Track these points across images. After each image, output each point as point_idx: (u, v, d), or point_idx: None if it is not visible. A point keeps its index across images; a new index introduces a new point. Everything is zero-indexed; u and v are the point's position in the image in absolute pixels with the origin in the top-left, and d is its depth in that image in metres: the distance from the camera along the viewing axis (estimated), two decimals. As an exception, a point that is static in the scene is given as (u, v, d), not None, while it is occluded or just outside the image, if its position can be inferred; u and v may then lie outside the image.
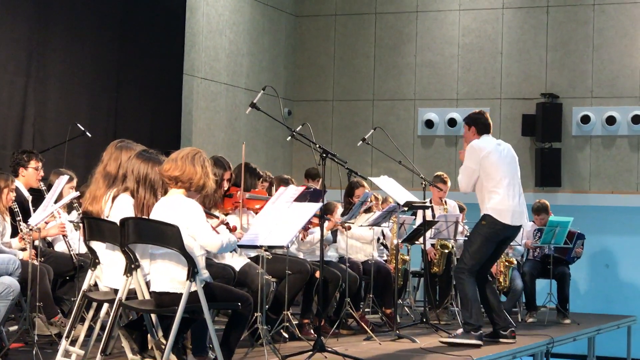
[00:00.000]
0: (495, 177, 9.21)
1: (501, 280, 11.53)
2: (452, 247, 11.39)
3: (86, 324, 7.04)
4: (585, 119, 15.56)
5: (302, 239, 9.47)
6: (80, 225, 7.30)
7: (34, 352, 7.03)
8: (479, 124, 9.43)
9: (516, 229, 9.41)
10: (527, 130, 15.88)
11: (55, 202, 7.80)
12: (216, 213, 7.65)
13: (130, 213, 6.59)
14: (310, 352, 7.69)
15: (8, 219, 8.09)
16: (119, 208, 6.68)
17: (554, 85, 15.84)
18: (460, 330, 9.17)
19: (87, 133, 10.76)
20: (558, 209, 12.39)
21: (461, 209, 11.96)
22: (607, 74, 15.59)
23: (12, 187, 8.07)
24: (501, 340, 9.36)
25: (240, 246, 7.63)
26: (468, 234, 10.21)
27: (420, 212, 11.28)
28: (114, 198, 6.76)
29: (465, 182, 9.30)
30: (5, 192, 8.00)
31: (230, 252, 7.82)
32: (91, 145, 11.15)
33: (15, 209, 8.08)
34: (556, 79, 15.85)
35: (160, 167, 6.44)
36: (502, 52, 16.19)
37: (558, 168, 15.67)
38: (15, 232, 8.19)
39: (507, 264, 11.57)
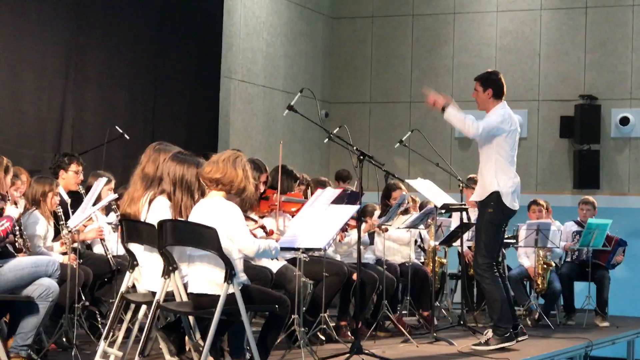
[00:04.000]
0: (513, 158, 8.81)
1: (539, 282, 11.46)
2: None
3: (124, 325, 7.07)
4: (625, 121, 15.47)
5: (339, 240, 9.47)
6: (119, 227, 7.32)
7: (72, 353, 7.08)
8: (497, 87, 8.85)
9: (515, 212, 8.95)
10: (566, 132, 15.80)
11: (94, 204, 7.84)
12: (252, 216, 7.70)
13: (168, 215, 6.61)
14: (348, 355, 7.69)
15: (52, 223, 8.14)
16: (156, 210, 6.71)
17: (593, 87, 15.75)
18: (489, 334, 8.87)
19: (125, 135, 10.83)
20: (597, 211, 12.30)
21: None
22: (647, 75, 15.50)
23: (56, 191, 8.12)
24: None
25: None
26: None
27: (457, 214, 11.25)
28: (150, 201, 6.78)
29: (484, 128, 8.65)
30: (49, 196, 8.04)
31: (272, 259, 7.81)
32: (129, 147, 11.22)
33: (59, 213, 8.12)
34: (595, 81, 15.75)
35: (201, 169, 6.46)
36: (540, 54, 16.12)
37: (597, 170, 15.58)
38: (57, 236, 8.23)
39: (545, 266, 11.51)
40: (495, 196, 8.74)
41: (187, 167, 6.74)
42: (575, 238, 11.83)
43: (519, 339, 9.01)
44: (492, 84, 8.85)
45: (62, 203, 8.54)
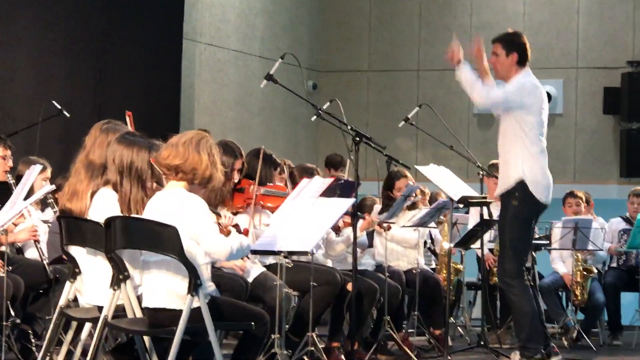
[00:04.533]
0: (541, 139, 8.83)
1: (578, 293, 11.50)
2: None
3: (64, 347, 7.06)
4: (682, 93, 15.56)
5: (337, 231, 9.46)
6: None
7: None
8: (523, 51, 8.94)
9: (546, 207, 8.99)
10: (610, 108, 15.86)
11: (26, 198, 7.83)
12: (224, 212, 7.69)
13: (116, 210, 6.62)
14: (341, 383, 7.73)
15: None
16: (100, 205, 6.70)
17: (644, 51, 15.83)
18: (516, 357, 8.85)
19: (65, 112, 10.81)
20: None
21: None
22: None
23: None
24: None
25: (254, 252, 7.66)
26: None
27: (475, 210, 11.23)
28: (92, 194, 6.78)
29: (493, 98, 8.76)
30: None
31: (242, 258, 7.82)
32: (69, 127, 11.22)
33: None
34: (646, 43, 15.83)
35: (157, 154, 6.45)
36: (579, 10, 16.15)
37: (649, 154, 15.65)
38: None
39: (585, 273, 11.54)
40: (520, 185, 8.75)
41: (136, 152, 6.74)
42: (623, 238, 11.87)
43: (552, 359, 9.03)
44: (516, 47, 8.93)
45: (-15, 195, 8.54)
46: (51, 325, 7.01)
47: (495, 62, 8.99)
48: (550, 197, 8.86)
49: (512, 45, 8.94)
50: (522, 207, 8.77)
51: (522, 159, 8.75)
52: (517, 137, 8.78)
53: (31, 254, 8.93)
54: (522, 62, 8.91)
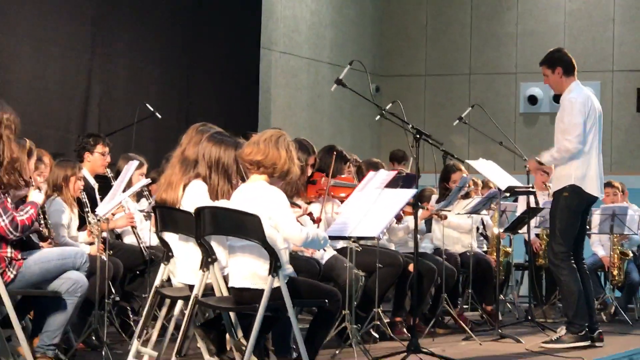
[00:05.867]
0: (590, 139, 8.76)
1: (615, 273, 11.42)
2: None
3: (159, 322, 7.09)
4: None
5: (396, 224, 9.45)
6: (152, 215, 7.34)
7: (103, 353, 7.13)
8: (565, 63, 8.86)
9: (597, 199, 8.97)
10: (643, 106, 15.72)
11: (124, 190, 7.86)
12: (299, 202, 7.69)
13: (206, 201, 6.63)
14: (404, 354, 7.69)
15: (76, 210, 8.17)
16: (192, 195, 6.71)
17: (675, 55, 15.63)
18: (562, 331, 8.84)
19: (157, 114, 10.84)
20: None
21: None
22: None
23: (79, 176, 8.15)
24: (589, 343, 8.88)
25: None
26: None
27: (522, 198, 11.18)
28: (185, 186, 6.80)
29: (577, 138, 8.63)
30: (72, 181, 8.07)
31: (319, 249, 7.79)
32: (161, 127, 11.28)
33: (84, 199, 8.16)
34: (677, 48, 15.63)
35: (241, 151, 6.45)
36: (615, 19, 15.97)
37: (681, 150, 15.48)
38: (82, 225, 8.27)
39: (621, 255, 11.44)
40: (572, 185, 8.75)
41: (224, 149, 6.75)
42: (656, 222, 11.75)
43: (596, 344, 8.92)
44: (558, 62, 8.88)
45: (89, 187, 8.59)
46: (147, 303, 7.05)
47: (547, 82, 9.00)
48: (598, 190, 8.83)
49: (554, 61, 8.91)
50: (571, 198, 8.75)
51: (573, 165, 8.72)
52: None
53: (129, 239, 8.99)
54: (568, 72, 8.85)
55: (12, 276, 6.11)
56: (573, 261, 8.79)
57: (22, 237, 6.18)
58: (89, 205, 8.17)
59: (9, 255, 6.11)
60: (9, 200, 6.14)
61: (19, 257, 6.17)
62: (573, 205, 8.77)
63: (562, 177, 8.82)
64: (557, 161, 8.81)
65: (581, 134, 8.67)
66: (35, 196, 6.40)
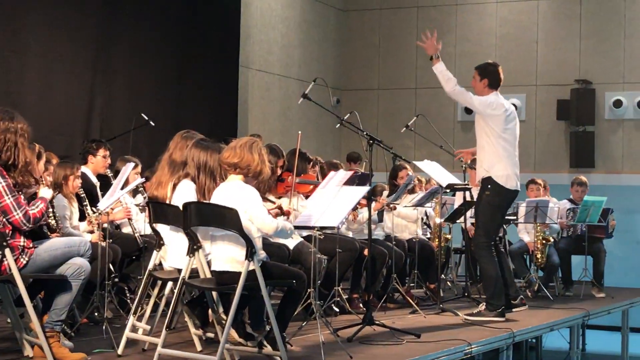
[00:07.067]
0: (512, 143, 8.70)
1: (538, 256, 11.43)
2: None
3: (152, 300, 7.09)
4: (618, 103, 15.40)
5: (353, 220, 9.46)
6: (146, 207, 7.31)
7: (103, 327, 7.08)
8: (491, 77, 8.72)
9: (517, 192, 8.88)
10: (562, 115, 15.73)
11: (122, 187, 7.81)
12: (271, 197, 7.67)
13: (193, 197, 6.61)
14: (360, 325, 7.67)
15: (75, 204, 8.12)
16: (182, 193, 6.69)
17: (588, 72, 15.65)
18: (482, 307, 8.82)
19: (151, 123, 10.79)
20: (592, 189, 12.24)
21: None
22: (638, 60, 15.39)
23: (77, 175, 8.10)
24: (513, 309, 8.98)
25: (295, 227, 7.61)
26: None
27: (460, 194, 11.20)
28: (175, 185, 6.77)
29: (459, 93, 8.56)
30: (71, 179, 8.05)
31: (286, 238, 7.75)
32: (154, 134, 11.20)
33: (82, 195, 8.12)
34: (589, 66, 15.66)
35: (220, 155, 6.44)
36: (538, 41, 16.02)
37: (592, 150, 15.50)
38: (82, 217, 8.22)
39: (544, 241, 11.47)
40: (490, 180, 8.68)
41: (210, 154, 6.76)
42: (569, 215, 11.78)
43: (519, 309, 8.98)
44: (488, 75, 8.78)
45: (91, 185, 8.54)
46: (142, 284, 7.02)
47: (474, 84, 8.87)
48: (515, 184, 8.73)
49: (486, 72, 8.81)
50: (492, 196, 8.68)
51: (489, 158, 8.67)
52: (485, 142, 8.71)
53: (126, 229, 8.92)
54: (492, 86, 8.75)
55: (24, 262, 6.04)
56: (493, 250, 8.74)
57: (33, 228, 6.11)
58: (87, 200, 8.13)
59: (22, 244, 6.04)
60: (22, 196, 6.09)
61: (31, 245, 6.10)
62: (494, 202, 8.69)
63: (481, 173, 8.76)
64: (441, 78, 8.66)
65: (460, 96, 8.61)
66: (45, 192, 6.33)
